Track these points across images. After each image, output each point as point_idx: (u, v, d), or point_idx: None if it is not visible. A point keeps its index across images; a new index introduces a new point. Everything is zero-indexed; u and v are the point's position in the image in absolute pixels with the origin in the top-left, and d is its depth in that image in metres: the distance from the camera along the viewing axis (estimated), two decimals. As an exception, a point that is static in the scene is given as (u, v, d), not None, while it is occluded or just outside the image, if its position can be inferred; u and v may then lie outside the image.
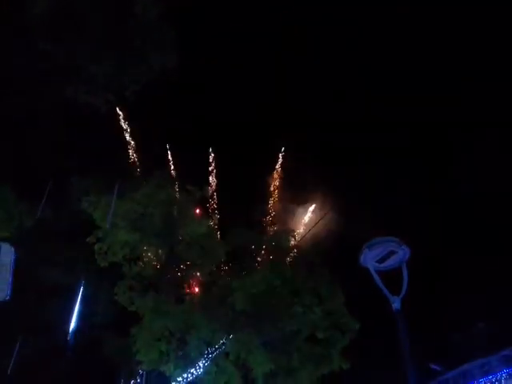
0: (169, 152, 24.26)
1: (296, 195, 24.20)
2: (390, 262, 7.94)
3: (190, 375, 16.02)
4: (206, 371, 16.04)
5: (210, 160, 25.99)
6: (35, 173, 18.26)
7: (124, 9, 15.55)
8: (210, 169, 25.69)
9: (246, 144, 25.98)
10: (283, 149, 26.51)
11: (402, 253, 7.76)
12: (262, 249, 18.81)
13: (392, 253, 7.84)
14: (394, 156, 25.44)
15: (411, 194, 25.30)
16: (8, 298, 3.46)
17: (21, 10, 14.70)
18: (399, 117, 25.15)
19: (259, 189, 24.90)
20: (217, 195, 23.64)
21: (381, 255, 7.88)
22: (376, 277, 7.74)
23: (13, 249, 3.47)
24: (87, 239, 16.13)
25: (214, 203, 22.77)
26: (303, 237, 19.28)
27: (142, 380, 18.29)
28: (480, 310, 24.61)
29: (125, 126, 22.15)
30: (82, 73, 16.04)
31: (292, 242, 18.75)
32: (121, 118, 21.87)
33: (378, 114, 25.32)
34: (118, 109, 21.58)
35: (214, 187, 24.46)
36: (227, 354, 16.12)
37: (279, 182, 26.01)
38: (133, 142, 22.49)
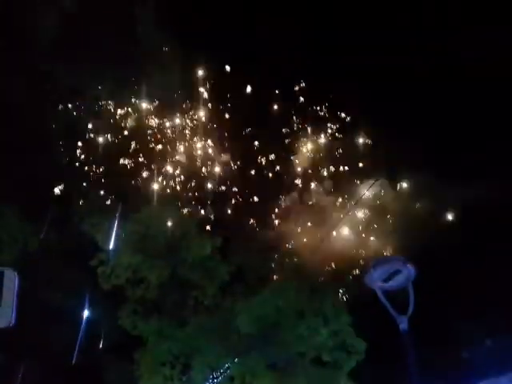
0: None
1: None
2: (396, 282, 7.80)
3: (194, 400, 15.79)
4: (211, 396, 15.82)
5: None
6: (39, 194, 18.31)
7: (126, 30, 15.76)
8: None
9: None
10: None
11: (407, 272, 7.64)
12: (267, 269, 18.63)
13: (398, 272, 7.72)
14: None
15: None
16: (12, 324, 3.39)
17: (22, 32, 14.91)
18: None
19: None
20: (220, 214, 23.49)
21: (386, 274, 7.75)
22: (382, 297, 7.59)
23: (16, 274, 3.41)
24: (90, 262, 16.07)
25: (217, 223, 22.64)
26: (307, 255, 19.08)
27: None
28: (489, 328, 24.25)
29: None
30: (85, 93, 16.22)
31: (296, 261, 18.59)
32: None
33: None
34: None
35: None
36: (232, 378, 15.89)
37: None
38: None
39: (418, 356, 7.12)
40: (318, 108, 24.23)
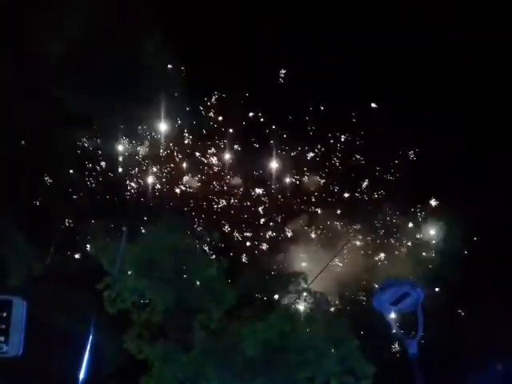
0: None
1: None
2: (405, 305, 7.70)
3: (200, 427, 15.50)
4: (218, 422, 15.51)
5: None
6: (45, 219, 18.39)
7: (136, 60, 16.00)
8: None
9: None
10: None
11: (416, 295, 7.54)
12: (273, 293, 18.47)
13: (406, 295, 7.62)
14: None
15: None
16: (20, 353, 3.41)
17: (34, 59, 15.17)
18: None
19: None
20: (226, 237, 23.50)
21: (395, 297, 7.65)
22: (390, 320, 7.49)
23: (25, 303, 3.42)
24: (96, 286, 16.01)
25: (223, 246, 22.61)
26: (314, 279, 18.93)
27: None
28: (498, 352, 23.86)
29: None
30: (95, 121, 16.39)
31: (303, 285, 18.42)
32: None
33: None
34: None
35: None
36: (238, 404, 15.63)
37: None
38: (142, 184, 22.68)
39: (427, 381, 6.99)
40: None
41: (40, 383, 18.07)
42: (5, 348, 3.27)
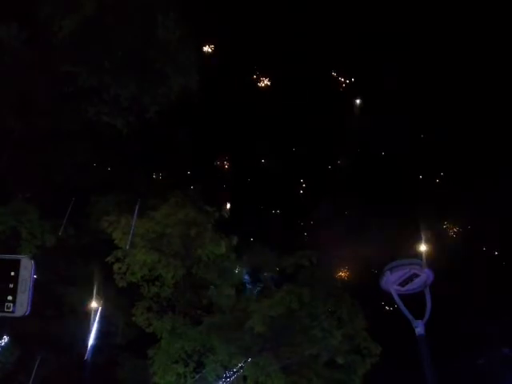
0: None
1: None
2: (413, 286, 7.72)
3: (207, 399, 15.81)
4: (224, 395, 15.82)
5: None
6: (58, 192, 18.53)
7: (147, 31, 15.82)
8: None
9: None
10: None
11: (424, 276, 7.54)
12: (282, 270, 18.54)
13: (415, 276, 7.61)
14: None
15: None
16: (27, 313, 3.41)
17: (45, 33, 15.07)
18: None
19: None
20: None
21: (403, 278, 7.64)
22: (398, 301, 7.53)
23: (33, 262, 3.42)
24: (106, 259, 16.17)
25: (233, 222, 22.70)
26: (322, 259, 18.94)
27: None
28: (506, 336, 23.92)
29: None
30: (104, 94, 16.30)
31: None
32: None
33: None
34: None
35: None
36: (245, 378, 15.86)
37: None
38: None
39: (434, 361, 7.02)
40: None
41: (50, 353, 18.48)
42: (12, 308, 3.25)
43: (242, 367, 16.00)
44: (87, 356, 18.04)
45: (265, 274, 18.17)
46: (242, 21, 24.17)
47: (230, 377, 16.01)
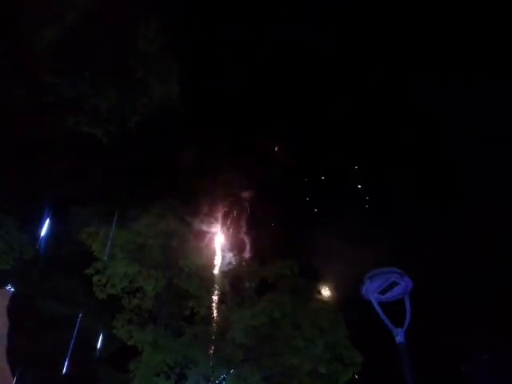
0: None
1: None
2: (393, 294, 7.76)
3: (189, 411, 15.63)
4: (206, 407, 15.66)
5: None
6: (37, 203, 18.30)
7: (127, 42, 15.82)
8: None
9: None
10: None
11: (404, 284, 7.60)
12: (263, 279, 18.52)
13: (394, 284, 7.68)
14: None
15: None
16: None
17: (24, 44, 14.95)
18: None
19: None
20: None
21: (383, 286, 7.70)
22: (378, 309, 7.56)
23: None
24: (85, 271, 15.97)
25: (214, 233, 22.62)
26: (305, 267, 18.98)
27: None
28: (485, 342, 24.20)
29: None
30: (84, 104, 16.21)
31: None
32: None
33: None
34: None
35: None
36: (228, 389, 15.77)
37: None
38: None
39: (414, 369, 7.07)
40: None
41: (30, 367, 18.12)
42: None
43: (224, 379, 15.89)
44: (66, 370, 17.76)
45: (246, 284, 18.13)
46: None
47: (212, 388, 15.89)
